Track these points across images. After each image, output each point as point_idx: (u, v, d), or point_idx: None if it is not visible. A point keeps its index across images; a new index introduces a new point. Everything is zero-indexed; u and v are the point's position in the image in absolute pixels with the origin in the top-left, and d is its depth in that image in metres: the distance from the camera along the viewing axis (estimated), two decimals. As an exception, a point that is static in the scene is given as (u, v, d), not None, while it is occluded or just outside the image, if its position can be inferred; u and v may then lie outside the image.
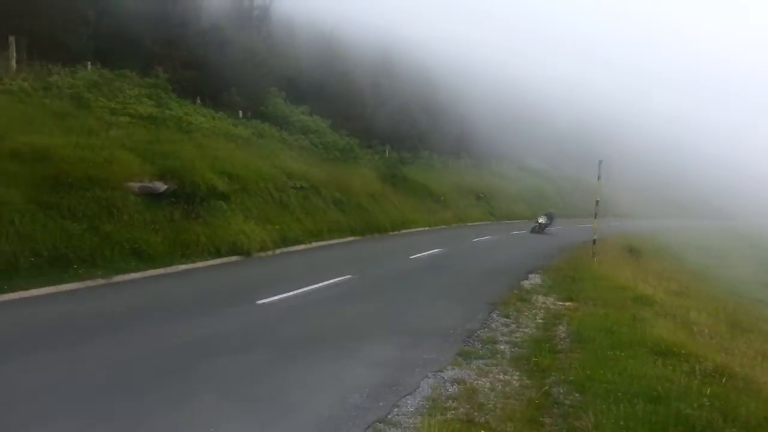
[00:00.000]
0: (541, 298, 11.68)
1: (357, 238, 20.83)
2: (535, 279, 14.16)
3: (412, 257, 16.75)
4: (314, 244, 17.90)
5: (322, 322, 9.01)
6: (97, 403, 5.43)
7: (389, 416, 5.50)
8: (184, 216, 13.87)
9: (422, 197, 29.86)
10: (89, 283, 10.18)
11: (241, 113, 23.31)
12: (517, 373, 6.98)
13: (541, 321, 9.79)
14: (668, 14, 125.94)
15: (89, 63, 18.35)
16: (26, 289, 9.20)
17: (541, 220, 29.06)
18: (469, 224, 31.50)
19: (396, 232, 23.61)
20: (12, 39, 15.87)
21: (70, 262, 10.24)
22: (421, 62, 40.55)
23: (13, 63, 15.94)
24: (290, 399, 5.79)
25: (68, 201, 11.14)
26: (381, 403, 5.76)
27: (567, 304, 11.22)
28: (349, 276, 12.60)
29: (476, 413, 5.68)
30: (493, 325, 9.23)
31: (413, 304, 10.75)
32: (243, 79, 24.14)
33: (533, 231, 28.19)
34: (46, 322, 8.07)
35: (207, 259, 13.41)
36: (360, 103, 32.83)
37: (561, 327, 9.34)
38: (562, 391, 6.36)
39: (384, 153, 32.06)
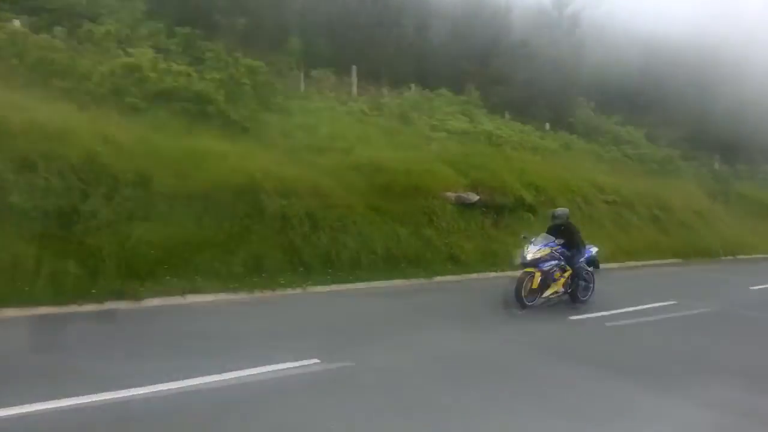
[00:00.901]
0: None
1: (680, 260, 18.41)
2: None
3: (753, 288, 14.00)
4: (628, 263, 16.43)
5: (643, 346, 8.04)
6: (419, 392, 5.66)
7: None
8: (493, 225, 14.23)
9: (765, 218, 25.01)
10: (414, 281, 11.29)
11: (548, 125, 23.01)
12: None
13: None
14: None
15: (412, 84, 20.38)
16: (366, 281, 10.63)
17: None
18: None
19: (729, 257, 20.17)
20: (354, 68, 18.65)
21: (399, 262, 11.48)
22: (763, 60, 34.18)
23: (354, 88, 18.70)
24: (622, 427, 5.19)
25: (397, 207, 12.45)
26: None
27: None
28: (673, 302, 11.10)
29: None
30: None
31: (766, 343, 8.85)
32: (550, 90, 23.92)
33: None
34: (387, 312, 9.10)
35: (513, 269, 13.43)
36: (682, 111, 29.29)
37: None
38: None
39: (712, 165, 27.98)
